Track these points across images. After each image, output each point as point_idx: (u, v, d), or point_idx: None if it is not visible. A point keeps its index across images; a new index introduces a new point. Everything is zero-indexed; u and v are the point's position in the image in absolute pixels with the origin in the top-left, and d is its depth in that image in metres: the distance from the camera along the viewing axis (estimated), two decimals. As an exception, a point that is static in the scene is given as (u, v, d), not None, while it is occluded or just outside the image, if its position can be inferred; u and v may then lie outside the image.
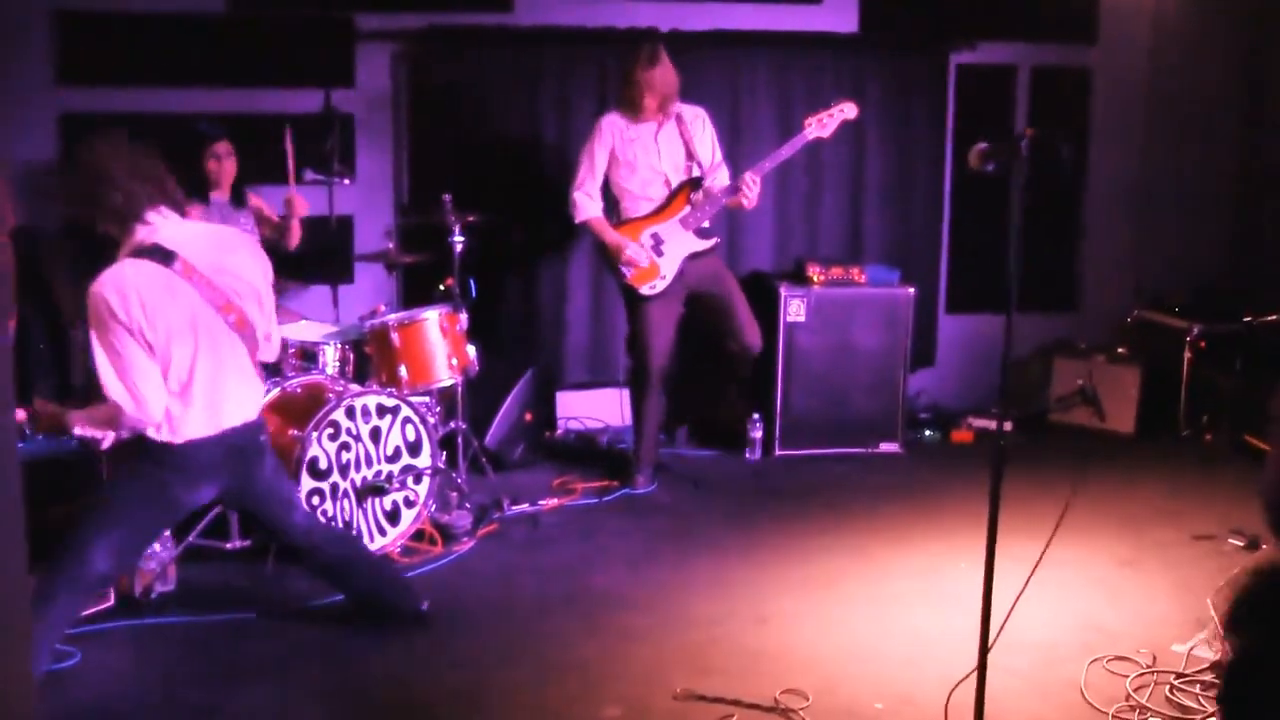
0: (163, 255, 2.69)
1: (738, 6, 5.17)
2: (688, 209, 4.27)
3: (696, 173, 4.32)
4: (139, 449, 2.78)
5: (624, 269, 4.29)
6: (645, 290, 4.31)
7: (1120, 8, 5.53)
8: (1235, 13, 5.48)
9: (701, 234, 4.32)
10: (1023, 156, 2.37)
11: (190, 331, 2.71)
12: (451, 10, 4.91)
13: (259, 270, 2.89)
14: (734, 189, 4.20)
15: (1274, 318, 4.88)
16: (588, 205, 4.32)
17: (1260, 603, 2.15)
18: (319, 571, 3.21)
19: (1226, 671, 2.37)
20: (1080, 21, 5.54)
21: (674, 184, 4.30)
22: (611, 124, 4.29)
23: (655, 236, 4.29)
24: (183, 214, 2.82)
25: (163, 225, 2.73)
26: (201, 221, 2.95)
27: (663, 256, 4.29)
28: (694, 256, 4.32)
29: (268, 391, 3.50)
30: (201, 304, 2.73)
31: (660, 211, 4.31)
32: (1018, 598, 2.70)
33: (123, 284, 2.64)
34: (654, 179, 4.29)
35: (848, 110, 4.24)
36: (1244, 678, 2.07)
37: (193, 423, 2.73)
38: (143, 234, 2.72)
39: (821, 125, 4.20)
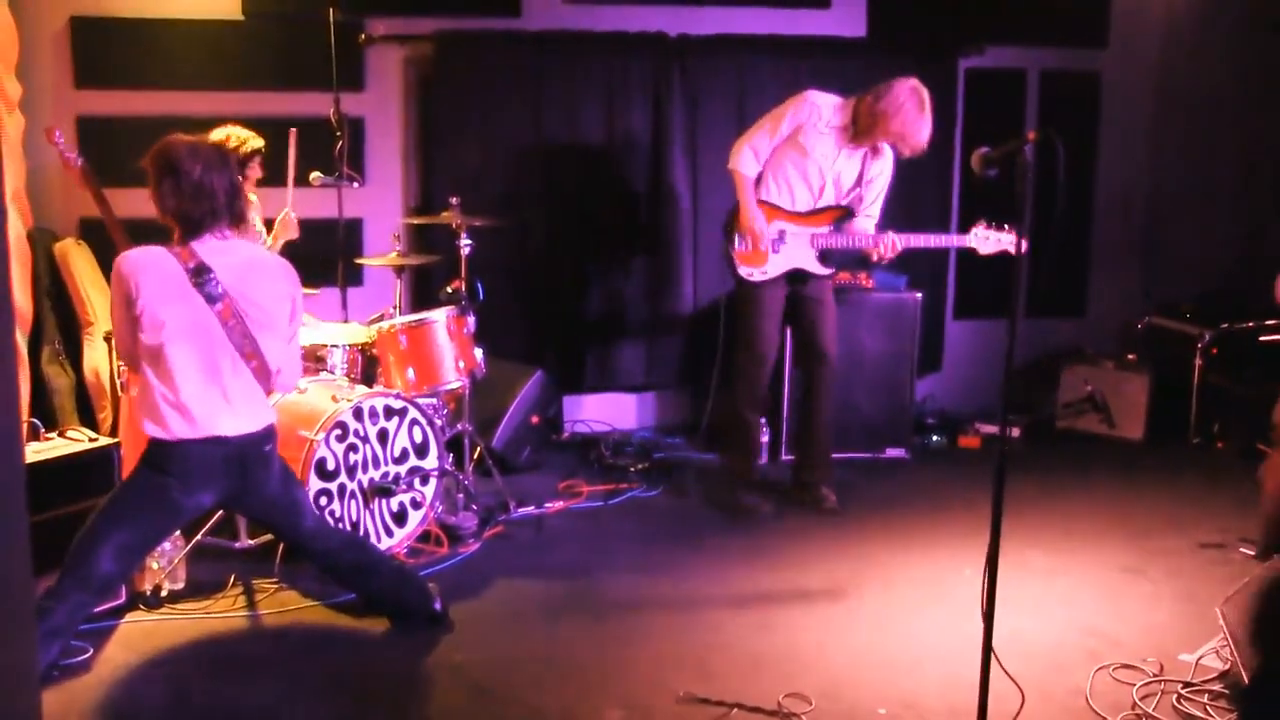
0: (199, 273, 2.75)
1: (746, 11, 5.18)
2: (829, 228, 4.13)
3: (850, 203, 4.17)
4: (145, 451, 2.81)
5: (739, 240, 4.10)
6: (742, 270, 4.14)
7: (1131, 12, 5.52)
8: (1245, 16, 5.46)
9: (822, 257, 4.18)
10: (1026, 160, 2.37)
11: (190, 336, 2.75)
12: (460, 15, 4.95)
13: (286, 307, 2.91)
14: (873, 239, 4.05)
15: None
16: (750, 163, 4.06)
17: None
18: (332, 574, 3.22)
19: (1249, 688, 2.36)
20: (1090, 25, 5.53)
21: (824, 200, 4.13)
22: (815, 107, 4.04)
23: (783, 233, 4.13)
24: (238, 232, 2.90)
25: (213, 242, 2.81)
26: (247, 242, 2.96)
27: (777, 254, 4.13)
28: (802, 276, 4.18)
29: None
30: (214, 325, 2.77)
31: (805, 215, 4.14)
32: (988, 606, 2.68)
33: (142, 265, 2.72)
34: (813, 182, 4.10)
35: (1008, 244, 4.07)
36: (1267, 694, 2.06)
37: (182, 424, 2.76)
38: (193, 244, 2.79)
39: (984, 241, 4.09)
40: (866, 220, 4.16)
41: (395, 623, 3.23)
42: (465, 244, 4.15)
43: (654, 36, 5.04)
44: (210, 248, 2.79)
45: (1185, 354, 5.14)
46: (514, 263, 5.05)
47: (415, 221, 4.83)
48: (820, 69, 5.18)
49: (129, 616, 3.26)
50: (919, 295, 4.94)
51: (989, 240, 4.11)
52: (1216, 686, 2.89)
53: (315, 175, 4.37)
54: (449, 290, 4.15)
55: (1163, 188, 5.68)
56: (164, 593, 3.37)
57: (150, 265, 2.73)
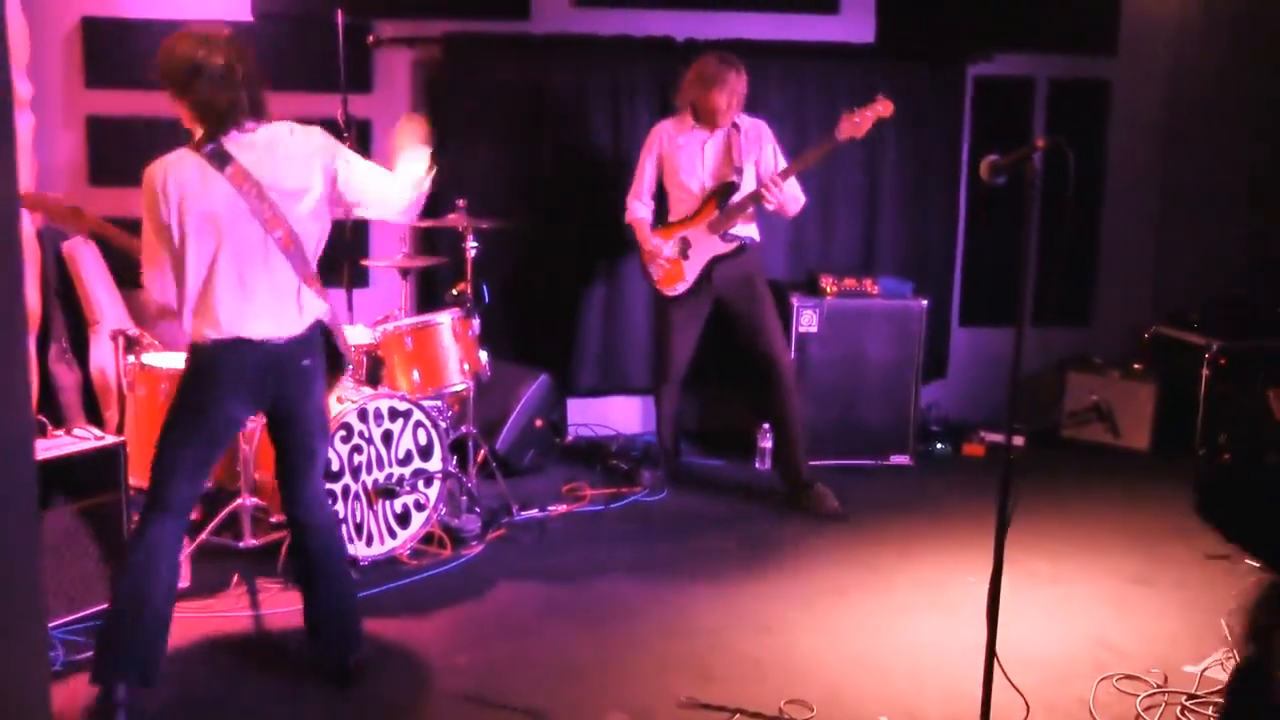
0: (220, 158, 2.68)
1: (754, 16, 5.18)
2: (716, 214, 4.28)
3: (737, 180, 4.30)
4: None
5: (653, 270, 4.39)
6: (668, 292, 4.38)
7: (1141, 19, 5.50)
8: (1258, 23, 5.44)
9: (726, 239, 4.32)
10: (1035, 168, 2.37)
11: (213, 233, 2.67)
12: (468, 18, 4.95)
13: (317, 162, 2.78)
14: (756, 195, 4.20)
15: None
16: (637, 208, 4.45)
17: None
18: (294, 552, 3.01)
19: (1231, 679, 2.36)
20: (1101, 33, 5.51)
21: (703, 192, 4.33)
22: (661, 131, 4.39)
23: (684, 240, 4.34)
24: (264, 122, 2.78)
25: (236, 136, 2.72)
26: (266, 126, 2.79)
27: (688, 260, 4.33)
28: (719, 260, 4.33)
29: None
30: (242, 211, 2.68)
31: (693, 217, 4.34)
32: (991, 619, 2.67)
33: (165, 172, 2.68)
34: (694, 185, 4.33)
35: (882, 108, 4.09)
36: (1248, 686, 2.07)
37: (208, 324, 2.70)
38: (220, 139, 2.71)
39: (853, 125, 4.07)
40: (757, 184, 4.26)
41: (311, 652, 3.00)
42: (471, 246, 4.16)
43: (661, 40, 5.04)
44: (234, 142, 2.71)
45: (1193, 364, 5.12)
46: (520, 265, 5.05)
47: (421, 224, 4.83)
48: (828, 75, 5.18)
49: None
50: (924, 302, 4.94)
51: (857, 122, 4.07)
52: (1221, 699, 2.87)
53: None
54: (454, 292, 4.16)
55: (1172, 196, 5.66)
56: (167, 592, 3.38)
57: (174, 161, 2.68)
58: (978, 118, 5.44)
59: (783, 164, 4.30)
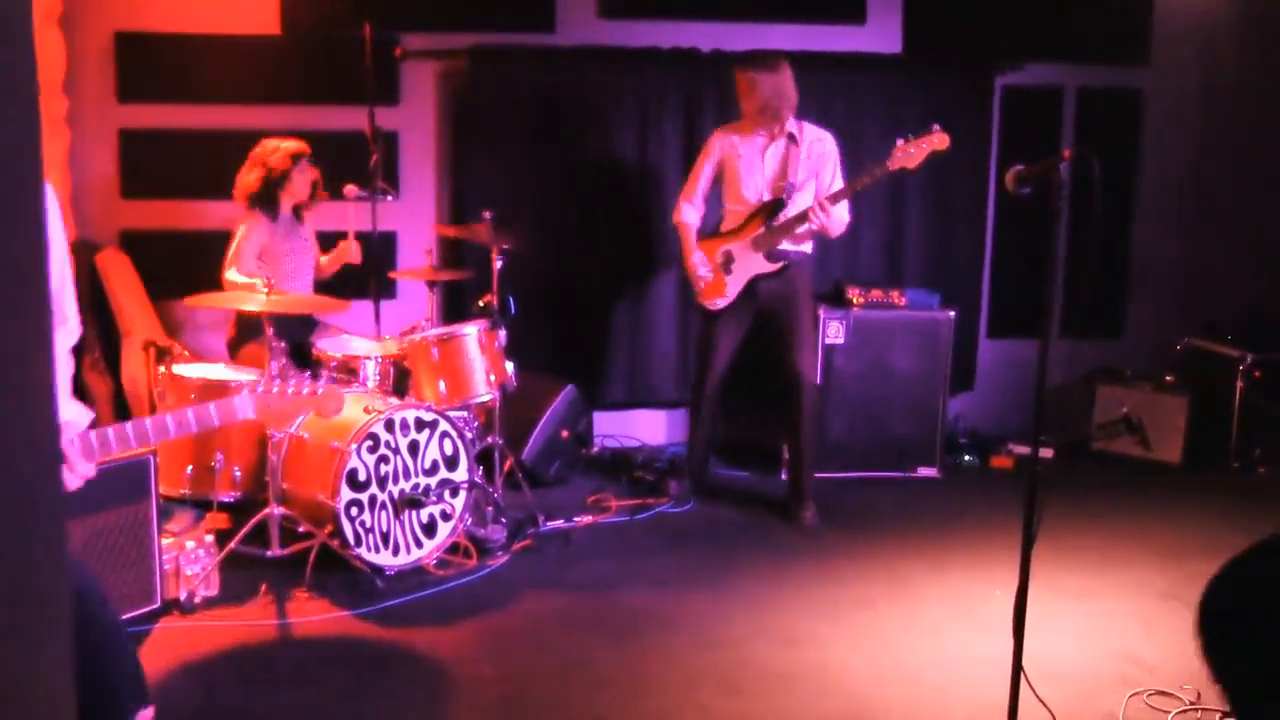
0: None
1: (781, 27, 5.18)
2: (761, 230, 4.22)
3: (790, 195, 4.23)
4: None
5: (693, 280, 4.37)
6: (709, 306, 4.35)
7: (1173, 28, 5.45)
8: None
9: (771, 257, 4.24)
10: (1061, 178, 2.36)
11: None
12: (494, 30, 4.99)
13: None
14: (802, 216, 4.10)
15: None
16: (687, 212, 4.38)
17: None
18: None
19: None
20: (1131, 42, 5.46)
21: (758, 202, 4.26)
22: (723, 138, 4.32)
23: (728, 254, 4.29)
24: None
25: None
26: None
27: (731, 275, 4.28)
28: (762, 278, 4.27)
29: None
30: None
31: (738, 230, 4.28)
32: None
33: None
34: (751, 195, 4.25)
35: (938, 141, 3.95)
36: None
37: None
38: None
39: (907, 155, 3.96)
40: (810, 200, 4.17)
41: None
42: (498, 258, 4.18)
43: (687, 52, 5.06)
44: None
45: (1226, 376, 5.05)
46: (546, 277, 5.07)
47: (449, 235, 4.87)
48: (855, 85, 5.18)
49: (163, 621, 3.31)
50: (952, 313, 4.91)
51: (911, 153, 3.97)
52: None
53: (350, 188, 4.42)
54: (481, 304, 4.18)
55: (1204, 206, 5.60)
56: (198, 599, 3.41)
57: None
58: (1006, 128, 5.41)
59: (839, 184, 4.21)
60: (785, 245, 4.24)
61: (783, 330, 4.30)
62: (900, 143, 3.98)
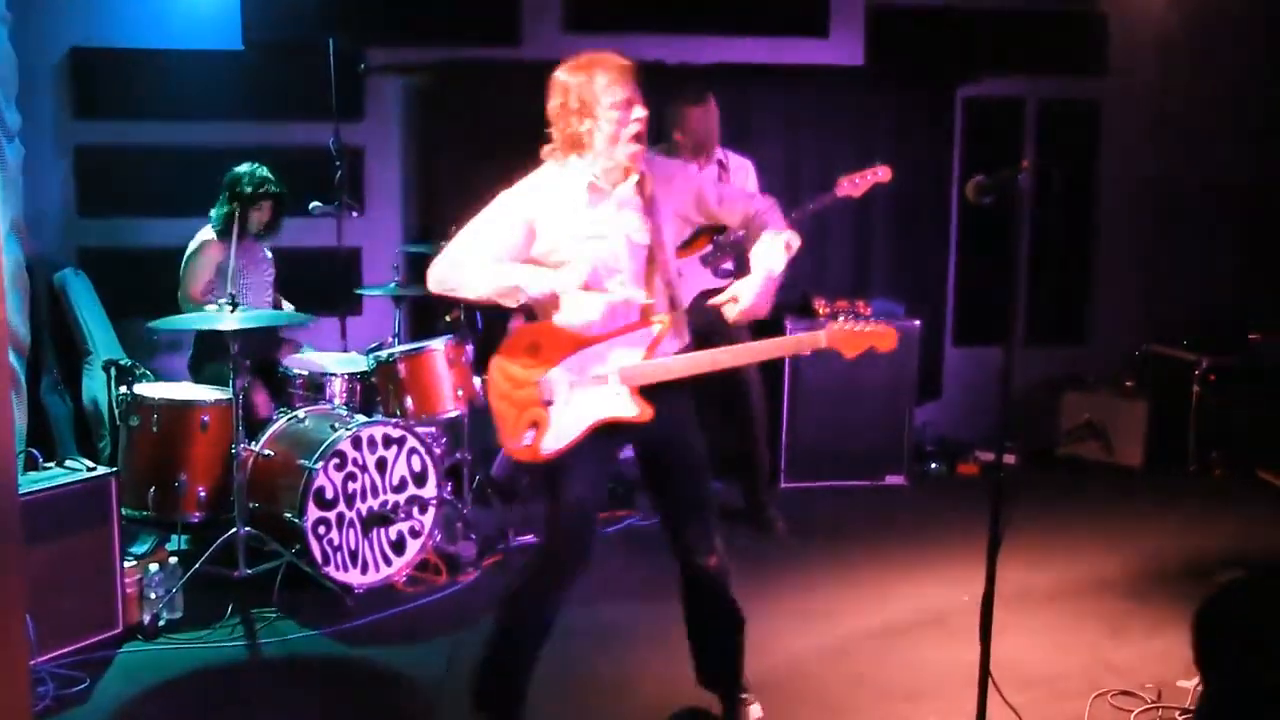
0: None
1: (744, 40, 5.23)
2: (709, 248, 4.24)
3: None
4: None
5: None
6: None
7: (1130, 39, 5.56)
8: (1243, 40, 5.50)
9: (721, 275, 4.26)
10: (1021, 188, 2.39)
11: None
12: (459, 45, 4.99)
13: None
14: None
15: None
16: None
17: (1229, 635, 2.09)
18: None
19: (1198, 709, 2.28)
20: (1090, 54, 5.56)
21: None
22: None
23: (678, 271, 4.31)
24: None
25: None
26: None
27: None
28: (706, 294, 4.29)
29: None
30: None
31: (683, 248, 4.30)
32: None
33: None
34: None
35: (881, 174, 4.12)
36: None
37: None
38: None
39: (853, 185, 4.09)
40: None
41: None
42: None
43: (652, 65, 5.06)
44: None
45: (1183, 381, 5.14)
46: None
47: (414, 251, 4.84)
48: (818, 97, 5.22)
49: (126, 647, 3.25)
50: (918, 322, 4.95)
51: (856, 185, 4.08)
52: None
53: (314, 205, 4.39)
54: (448, 320, 4.17)
55: (1164, 214, 5.70)
56: (161, 622, 3.36)
57: None
58: (968, 139, 5.49)
59: (743, 188, 4.23)
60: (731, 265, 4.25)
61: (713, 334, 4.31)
62: (845, 176, 4.08)
